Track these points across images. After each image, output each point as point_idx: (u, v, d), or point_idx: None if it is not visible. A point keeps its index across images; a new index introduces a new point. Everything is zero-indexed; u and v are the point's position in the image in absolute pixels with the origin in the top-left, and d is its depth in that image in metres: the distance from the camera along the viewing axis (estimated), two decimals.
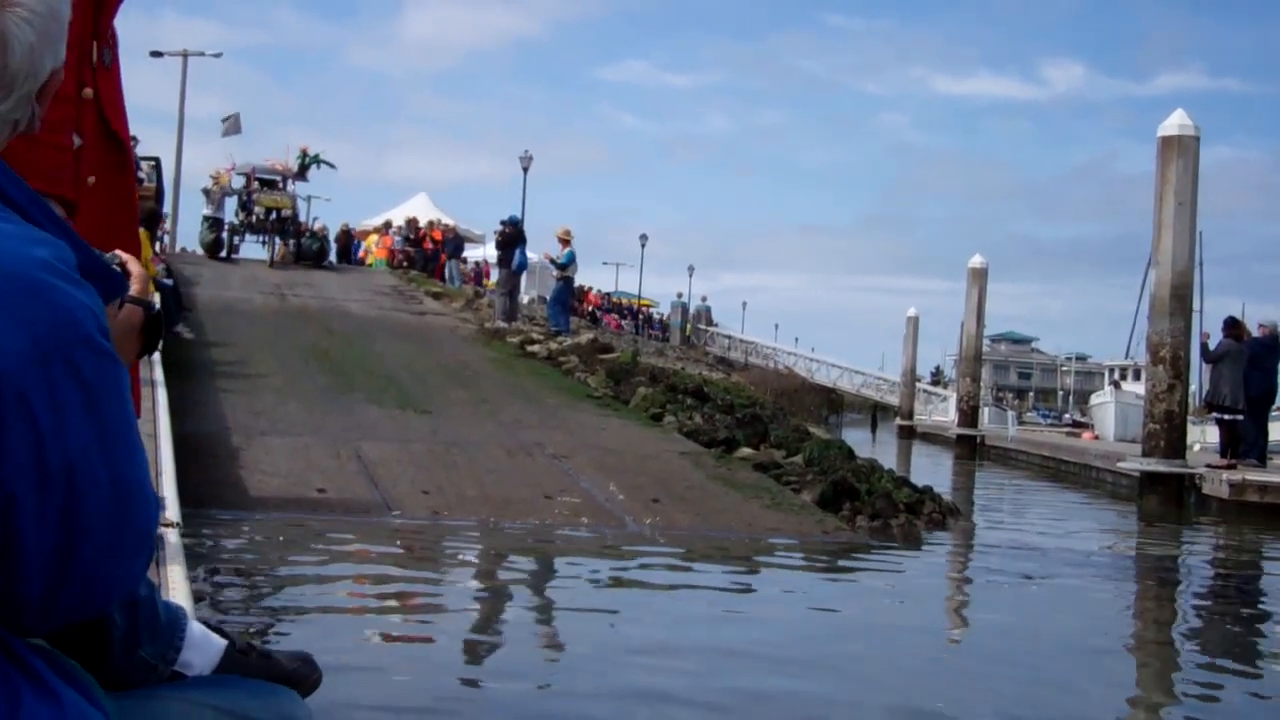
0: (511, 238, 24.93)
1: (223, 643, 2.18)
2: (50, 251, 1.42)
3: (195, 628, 2.14)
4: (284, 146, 31.43)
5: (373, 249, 36.54)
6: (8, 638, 1.47)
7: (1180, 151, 16.81)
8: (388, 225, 38.02)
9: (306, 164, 30.48)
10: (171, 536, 4.71)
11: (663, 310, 62.82)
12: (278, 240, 29.79)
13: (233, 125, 31.94)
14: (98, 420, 1.42)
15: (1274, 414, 20.10)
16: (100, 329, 1.44)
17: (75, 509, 1.40)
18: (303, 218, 31.56)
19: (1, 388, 1.33)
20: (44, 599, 1.43)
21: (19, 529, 1.36)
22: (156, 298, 1.90)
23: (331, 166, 31.59)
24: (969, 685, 5.94)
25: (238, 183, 30.16)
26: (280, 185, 30.01)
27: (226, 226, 29.76)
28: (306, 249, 30.34)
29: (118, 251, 1.89)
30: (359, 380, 15.49)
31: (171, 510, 5.27)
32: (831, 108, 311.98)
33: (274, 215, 29.14)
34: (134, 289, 1.85)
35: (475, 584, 8.03)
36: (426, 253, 35.41)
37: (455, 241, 36.45)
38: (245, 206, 29.64)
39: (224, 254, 29.19)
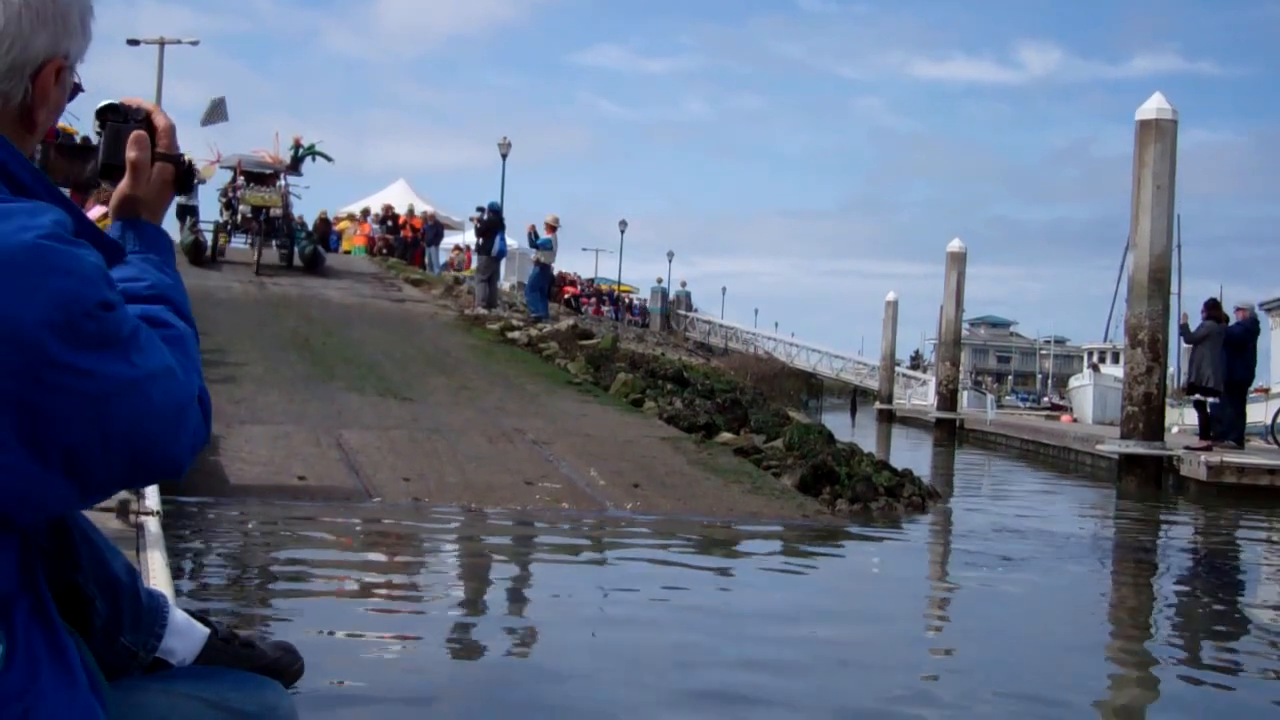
0: (491, 224, 24.92)
1: (205, 631, 2.19)
2: (52, 219, 1.46)
3: (178, 615, 2.14)
4: (272, 134, 27.93)
5: (350, 236, 36.24)
6: (52, 615, 1.57)
7: (1158, 135, 16.87)
8: (366, 213, 37.88)
9: (301, 156, 27.42)
10: (152, 525, 4.71)
11: (643, 296, 62.76)
12: (273, 243, 26.39)
13: (217, 112, 28.18)
14: (127, 362, 1.50)
15: (1252, 396, 20.24)
16: (109, 282, 1.50)
17: (128, 433, 1.51)
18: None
19: (32, 356, 1.39)
20: (117, 486, 1.63)
21: (85, 466, 1.49)
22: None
23: (328, 159, 28.57)
24: (948, 664, 5.98)
25: (223, 177, 26.88)
26: (272, 179, 26.62)
27: (211, 225, 26.48)
28: (300, 251, 26.56)
29: (142, 102, 1.91)
30: (339, 368, 15.46)
31: (151, 499, 5.26)
32: (810, 92, 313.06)
33: (262, 215, 25.72)
34: (161, 144, 1.89)
35: (458, 570, 8.04)
36: (406, 240, 35.32)
37: (435, 229, 36.39)
38: (230, 204, 26.18)
39: (207, 255, 25.61)
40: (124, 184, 1.87)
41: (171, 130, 1.90)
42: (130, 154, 1.85)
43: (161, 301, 1.81)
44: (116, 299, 1.49)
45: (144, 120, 1.88)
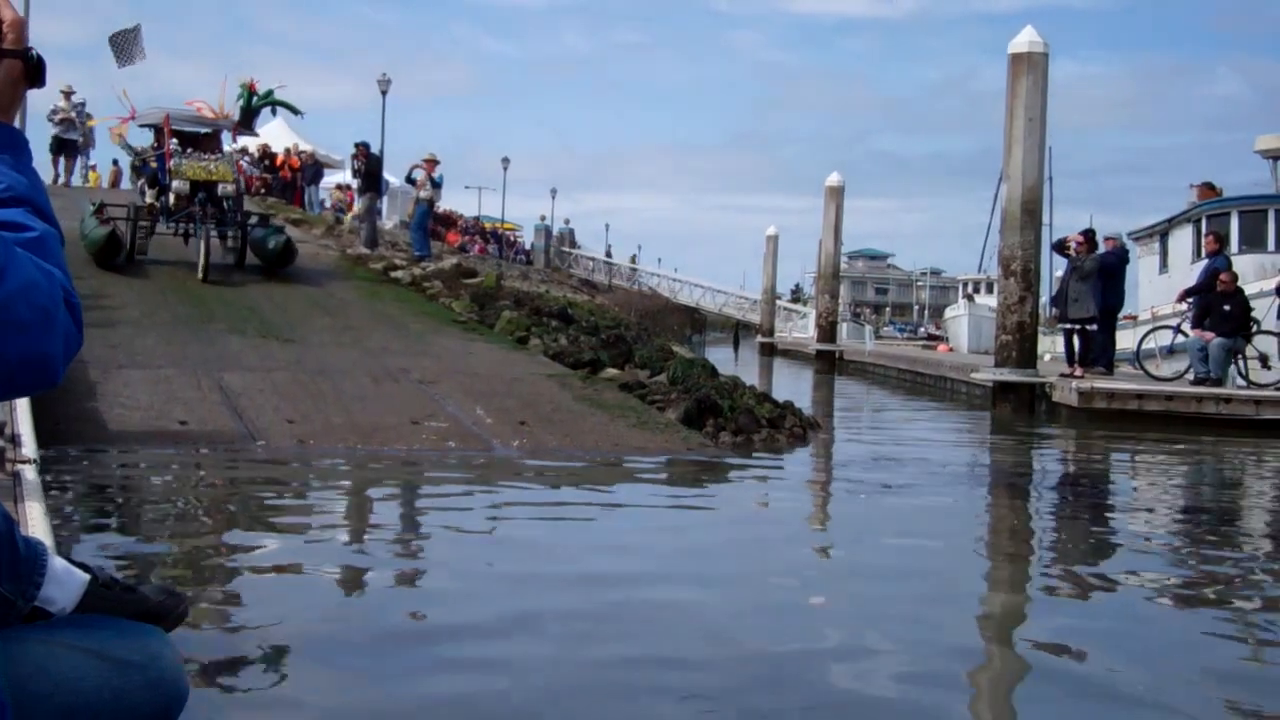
0: (375, 165, 24.65)
1: (85, 577, 2.17)
2: None
3: (56, 563, 2.13)
4: (215, 81, 20.92)
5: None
6: None
7: (1030, 68, 17.18)
8: (243, 152, 36.96)
9: (256, 107, 20.16)
10: (29, 473, 4.65)
11: (526, 234, 62.46)
12: (213, 234, 18.23)
13: (130, 44, 18.16)
14: None
15: (1121, 323, 20.82)
16: None
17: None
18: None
19: None
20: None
21: None
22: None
23: (296, 111, 22.06)
24: (829, 592, 6.15)
25: (141, 139, 19.29)
26: (213, 141, 19.06)
27: (127, 211, 18.06)
28: (259, 245, 18.62)
29: None
30: (219, 310, 15.23)
31: (28, 447, 5.18)
32: (688, 27, 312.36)
33: (201, 194, 17.90)
34: (8, 40, 1.80)
35: (344, 512, 8.02)
36: (285, 180, 34.65)
37: (314, 168, 35.74)
38: (156, 180, 18.14)
39: (122, 258, 17.54)
40: None
41: (19, 25, 1.81)
42: None
43: (19, 204, 1.76)
44: None
45: None
